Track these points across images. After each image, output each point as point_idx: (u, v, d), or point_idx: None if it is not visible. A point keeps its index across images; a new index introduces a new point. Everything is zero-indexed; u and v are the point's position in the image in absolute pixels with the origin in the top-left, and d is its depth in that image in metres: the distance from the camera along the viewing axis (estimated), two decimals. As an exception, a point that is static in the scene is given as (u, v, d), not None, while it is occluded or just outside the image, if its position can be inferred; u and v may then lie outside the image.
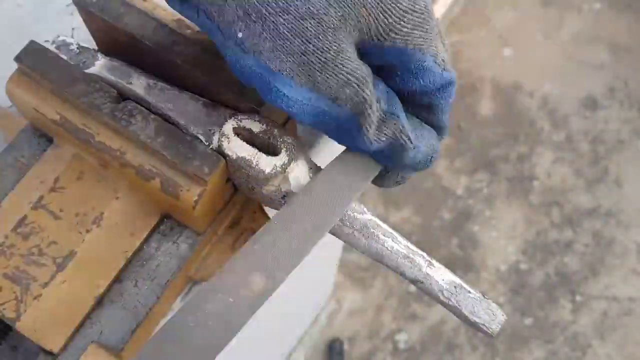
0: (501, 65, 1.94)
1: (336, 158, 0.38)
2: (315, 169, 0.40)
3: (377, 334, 1.65)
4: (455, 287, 0.39)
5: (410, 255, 0.39)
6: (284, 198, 0.40)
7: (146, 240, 0.43)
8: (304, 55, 0.32)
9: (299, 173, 0.39)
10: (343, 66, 0.33)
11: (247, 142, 0.39)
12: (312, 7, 0.32)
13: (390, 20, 0.33)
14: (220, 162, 0.39)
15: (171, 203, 0.40)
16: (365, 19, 0.33)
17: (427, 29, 0.34)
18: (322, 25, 0.32)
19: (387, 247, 0.39)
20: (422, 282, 0.39)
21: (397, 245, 0.39)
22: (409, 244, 0.40)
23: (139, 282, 0.42)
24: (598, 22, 2.02)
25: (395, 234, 0.40)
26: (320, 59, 0.33)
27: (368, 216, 0.40)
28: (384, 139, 0.36)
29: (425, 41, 0.34)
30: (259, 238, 0.35)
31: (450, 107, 0.38)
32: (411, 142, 0.36)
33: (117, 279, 0.42)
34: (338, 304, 1.65)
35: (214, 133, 0.40)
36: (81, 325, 0.40)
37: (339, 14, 0.32)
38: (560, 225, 1.76)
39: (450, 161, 1.82)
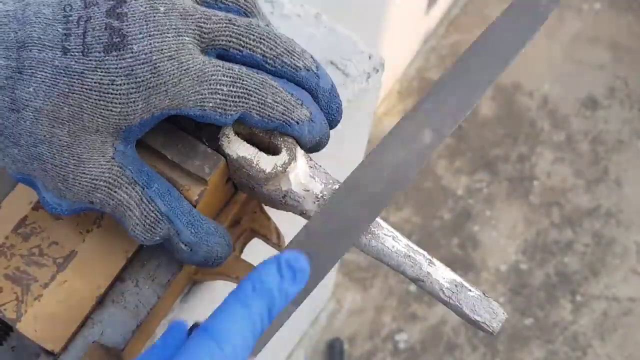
0: (501, 65, 1.94)
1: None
2: (315, 168, 0.40)
3: (377, 334, 1.65)
4: (456, 285, 0.39)
5: (411, 254, 0.39)
6: (284, 197, 0.40)
7: (147, 240, 0.43)
8: (46, 172, 0.35)
9: (299, 172, 0.39)
10: (85, 174, 0.35)
11: (248, 142, 0.39)
12: (39, 133, 0.33)
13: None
14: (220, 161, 0.39)
15: (172, 203, 0.40)
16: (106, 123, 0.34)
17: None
18: (54, 147, 0.34)
19: (387, 246, 0.39)
20: (423, 281, 0.39)
21: (397, 244, 0.39)
22: (410, 243, 0.40)
23: (139, 282, 0.42)
24: (598, 22, 2.02)
25: (396, 232, 0.40)
26: (60, 174, 0.35)
27: (368, 215, 0.40)
28: (157, 238, 0.37)
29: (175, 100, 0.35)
30: (426, 98, 0.38)
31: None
32: (184, 246, 0.38)
33: (118, 279, 0.42)
34: (338, 304, 1.65)
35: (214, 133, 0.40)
36: (82, 325, 0.40)
37: (65, 130, 0.34)
38: (560, 225, 1.76)
39: (450, 161, 1.81)
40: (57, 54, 0.33)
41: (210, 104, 0.35)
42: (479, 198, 1.78)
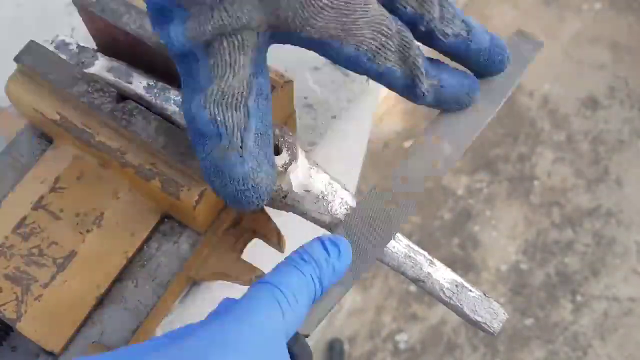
0: (501, 65, 1.94)
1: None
2: (316, 168, 0.40)
3: (377, 334, 1.64)
4: (456, 285, 0.39)
5: (412, 255, 0.39)
6: (285, 198, 0.40)
7: (147, 240, 0.43)
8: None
9: (300, 172, 0.39)
10: None
11: None
12: None
13: (306, 14, 0.34)
14: (220, 162, 0.39)
15: (172, 203, 0.40)
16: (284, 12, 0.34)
17: (344, 21, 0.35)
18: None
19: (388, 247, 0.39)
20: (423, 282, 0.39)
21: (398, 244, 0.39)
22: (410, 243, 0.40)
23: (139, 282, 0.42)
24: (598, 22, 2.02)
25: (397, 233, 0.40)
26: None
27: (368, 215, 0.40)
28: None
29: (344, 32, 0.35)
30: (446, 116, 0.42)
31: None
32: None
33: (118, 279, 0.42)
34: (338, 304, 1.65)
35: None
36: (82, 325, 0.40)
37: None
38: (560, 225, 1.76)
39: (451, 161, 1.81)
40: None
41: (365, 47, 0.36)
42: (479, 198, 1.78)
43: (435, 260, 0.40)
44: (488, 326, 0.38)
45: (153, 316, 0.42)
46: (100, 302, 0.41)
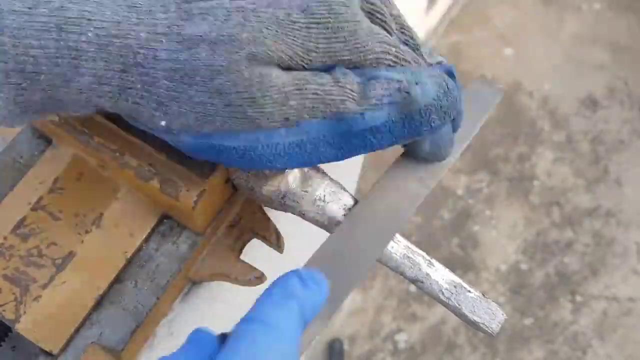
0: (501, 65, 1.94)
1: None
2: (314, 170, 0.40)
3: (377, 334, 1.65)
4: (455, 286, 0.39)
5: (410, 255, 0.39)
6: (283, 198, 0.40)
7: (146, 240, 0.43)
8: (230, 104, 0.32)
9: (298, 173, 0.39)
10: (272, 86, 0.32)
11: None
12: (217, 63, 0.31)
13: (300, 42, 0.33)
14: (219, 162, 0.39)
15: (171, 203, 0.40)
16: (276, 51, 0.32)
17: (337, 37, 0.33)
18: (232, 74, 0.32)
19: (387, 247, 0.39)
20: (422, 282, 0.39)
21: (396, 245, 0.39)
22: (409, 244, 0.40)
23: (138, 282, 0.42)
24: (598, 22, 2.02)
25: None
26: (246, 97, 0.32)
27: (368, 216, 0.40)
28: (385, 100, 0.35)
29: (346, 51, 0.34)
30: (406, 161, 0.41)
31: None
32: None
33: (117, 280, 0.42)
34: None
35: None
36: (81, 326, 0.40)
37: (243, 53, 0.32)
38: (560, 225, 1.76)
39: (450, 161, 1.82)
40: None
41: (386, 62, 0.34)
42: (479, 198, 1.78)
43: (434, 261, 0.40)
44: (487, 327, 0.38)
45: (152, 317, 0.42)
46: (99, 303, 0.41)
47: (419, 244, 0.40)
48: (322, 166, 0.41)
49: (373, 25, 0.35)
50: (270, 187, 0.39)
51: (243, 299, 0.61)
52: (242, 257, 0.46)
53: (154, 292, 0.42)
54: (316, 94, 0.33)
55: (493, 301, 0.39)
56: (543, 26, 2.01)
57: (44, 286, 0.40)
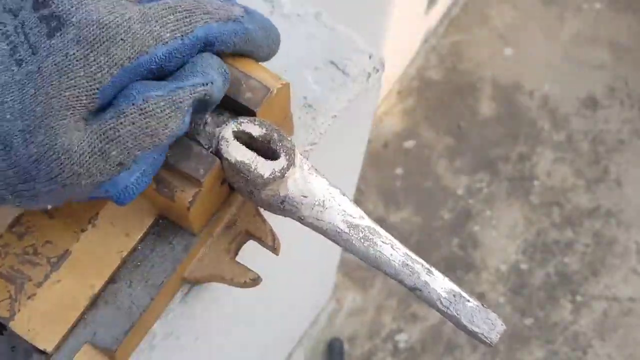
0: (501, 65, 1.94)
1: None
2: (314, 174, 0.40)
3: (377, 334, 1.64)
4: (454, 295, 0.38)
5: (409, 263, 0.39)
6: (282, 203, 0.39)
7: (141, 240, 0.42)
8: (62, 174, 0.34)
9: (298, 178, 0.39)
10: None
11: (247, 146, 0.39)
12: (33, 149, 0.33)
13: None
14: (215, 163, 0.39)
15: (166, 204, 0.40)
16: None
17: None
18: (55, 151, 0.34)
19: (385, 254, 0.38)
20: (420, 290, 0.39)
21: (395, 252, 0.39)
22: (408, 251, 0.39)
23: (133, 282, 0.42)
24: (598, 22, 2.02)
25: (394, 240, 0.39)
26: (75, 174, 0.34)
27: (366, 222, 0.40)
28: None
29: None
30: None
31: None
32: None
33: (112, 280, 0.42)
34: (338, 304, 1.65)
35: (213, 136, 0.39)
36: (75, 325, 0.40)
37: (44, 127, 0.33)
38: (560, 225, 1.76)
39: (451, 161, 1.81)
40: (14, 70, 0.33)
41: (167, 35, 0.36)
42: (479, 198, 1.78)
43: (433, 269, 0.39)
44: (485, 337, 0.38)
45: (146, 317, 0.42)
46: (94, 302, 0.41)
47: (418, 244, 0.40)
48: (322, 169, 0.41)
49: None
50: (269, 192, 0.39)
51: (243, 300, 0.61)
52: (237, 259, 0.46)
53: (149, 293, 0.42)
54: (132, 132, 0.35)
55: (492, 311, 0.38)
56: (543, 26, 2.01)
57: (39, 284, 0.40)
